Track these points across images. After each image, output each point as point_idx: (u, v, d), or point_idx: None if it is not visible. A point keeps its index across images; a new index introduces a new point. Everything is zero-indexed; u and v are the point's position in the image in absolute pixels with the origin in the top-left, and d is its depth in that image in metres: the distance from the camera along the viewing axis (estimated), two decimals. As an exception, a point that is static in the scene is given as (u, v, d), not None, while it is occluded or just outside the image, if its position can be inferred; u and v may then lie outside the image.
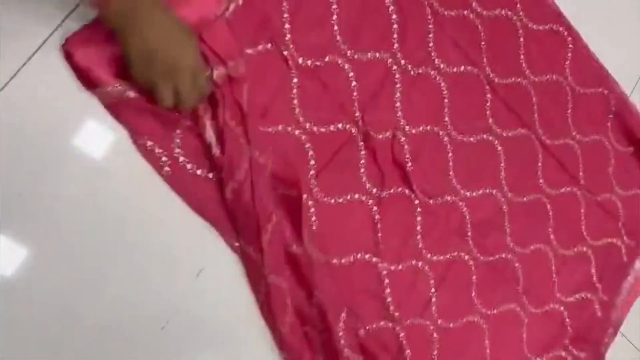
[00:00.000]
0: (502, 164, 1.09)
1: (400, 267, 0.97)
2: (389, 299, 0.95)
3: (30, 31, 0.73)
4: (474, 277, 1.05)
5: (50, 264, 0.75)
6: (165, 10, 0.71)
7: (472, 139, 1.06)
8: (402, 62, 0.98)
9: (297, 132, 0.89)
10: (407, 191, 0.98)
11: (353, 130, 0.93)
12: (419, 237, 0.99)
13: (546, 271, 1.15)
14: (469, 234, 1.05)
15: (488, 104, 1.07)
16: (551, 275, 1.16)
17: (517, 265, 1.10)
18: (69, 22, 0.75)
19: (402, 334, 0.96)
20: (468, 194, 1.05)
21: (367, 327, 0.93)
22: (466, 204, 1.04)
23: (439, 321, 1.00)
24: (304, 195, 0.87)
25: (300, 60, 0.89)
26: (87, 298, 0.76)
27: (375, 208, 0.95)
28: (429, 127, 1.01)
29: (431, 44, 1.01)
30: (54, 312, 0.75)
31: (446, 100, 1.03)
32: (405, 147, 0.98)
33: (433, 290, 1.00)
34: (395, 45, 0.98)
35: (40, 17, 0.74)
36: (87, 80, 0.74)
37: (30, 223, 0.74)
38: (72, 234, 0.76)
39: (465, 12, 1.06)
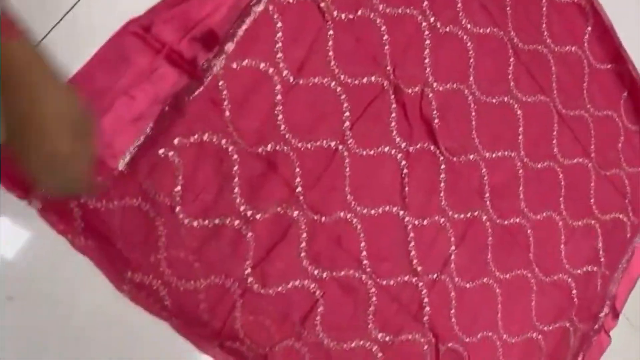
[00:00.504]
0: (520, 128, 1.10)
1: (424, 222, 0.98)
2: (412, 252, 0.96)
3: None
4: (490, 239, 1.06)
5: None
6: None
7: (494, 101, 1.07)
8: (432, 19, 0.99)
9: (332, 83, 0.89)
10: (432, 147, 0.99)
11: (385, 84, 0.94)
12: (442, 194, 1.00)
13: (556, 240, 1.18)
14: (487, 195, 1.06)
15: (511, 68, 1.09)
16: (560, 245, 1.18)
17: (529, 231, 1.12)
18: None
19: (424, 290, 0.97)
20: (488, 154, 1.06)
21: (392, 281, 0.94)
22: (486, 165, 1.05)
23: (457, 279, 1.01)
24: (340, 146, 0.89)
25: (335, 13, 0.89)
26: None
27: (403, 162, 0.95)
28: (455, 85, 1.02)
29: (459, 4, 1.02)
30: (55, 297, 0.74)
31: (472, 60, 1.04)
32: (433, 103, 0.98)
33: (453, 247, 1.01)
34: (425, 3, 0.99)
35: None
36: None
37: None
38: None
39: None
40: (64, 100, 0.53)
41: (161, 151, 0.76)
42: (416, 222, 0.97)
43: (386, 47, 0.93)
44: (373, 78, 0.93)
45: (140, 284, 0.76)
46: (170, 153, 0.77)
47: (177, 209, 0.77)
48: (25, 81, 0.50)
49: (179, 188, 0.77)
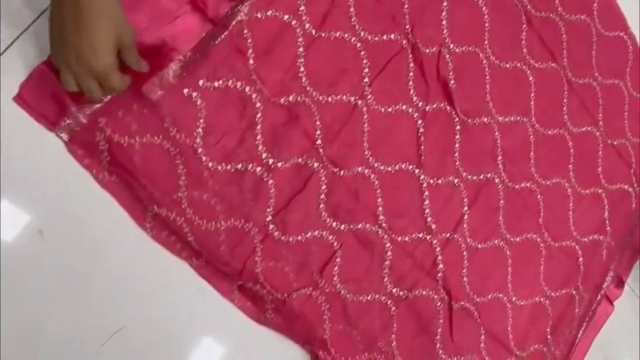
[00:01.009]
0: (532, 94, 1.12)
1: (439, 181, 0.99)
2: (427, 210, 0.97)
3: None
4: (502, 202, 1.08)
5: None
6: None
7: (507, 65, 1.08)
8: None
9: (353, 39, 0.91)
10: (448, 108, 1.00)
11: (404, 42, 0.95)
12: (456, 154, 1.01)
13: (564, 207, 1.19)
14: (500, 158, 1.07)
15: (524, 34, 1.10)
16: (568, 212, 1.19)
17: (539, 197, 1.13)
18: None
19: (437, 248, 0.98)
20: (501, 118, 1.07)
21: (407, 238, 0.95)
22: (498, 129, 1.07)
23: (469, 240, 1.03)
24: (359, 101, 0.90)
25: None
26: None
27: (420, 121, 0.97)
28: (470, 48, 1.03)
29: None
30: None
31: (487, 25, 1.05)
32: (449, 64, 1.00)
33: (466, 208, 1.02)
34: None
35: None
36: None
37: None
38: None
39: None
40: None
41: (185, 91, 0.77)
42: (431, 181, 0.98)
43: (405, 7, 0.95)
44: (392, 36, 0.94)
45: (164, 220, 0.79)
46: (194, 94, 0.78)
47: (199, 150, 0.79)
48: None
49: (200, 130, 0.78)
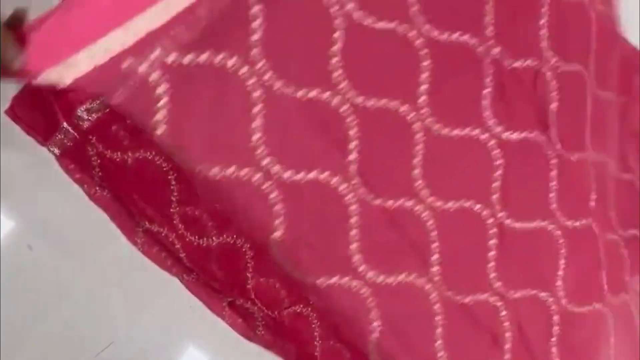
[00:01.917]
0: None
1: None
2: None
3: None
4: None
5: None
6: None
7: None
8: None
9: (411, 33, 0.71)
10: (541, 137, 0.79)
11: (479, 49, 0.75)
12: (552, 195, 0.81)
13: None
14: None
15: None
16: None
17: None
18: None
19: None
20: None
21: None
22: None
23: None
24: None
25: None
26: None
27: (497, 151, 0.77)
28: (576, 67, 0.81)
29: None
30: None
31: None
32: (551, 82, 0.78)
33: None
34: None
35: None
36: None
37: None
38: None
39: None
40: None
41: None
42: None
43: (489, 4, 0.74)
44: (467, 37, 0.74)
45: (155, 236, 0.75)
46: None
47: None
48: None
49: None
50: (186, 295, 0.81)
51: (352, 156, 0.70)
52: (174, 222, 0.73)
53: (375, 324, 0.72)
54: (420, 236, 0.75)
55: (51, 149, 0.73)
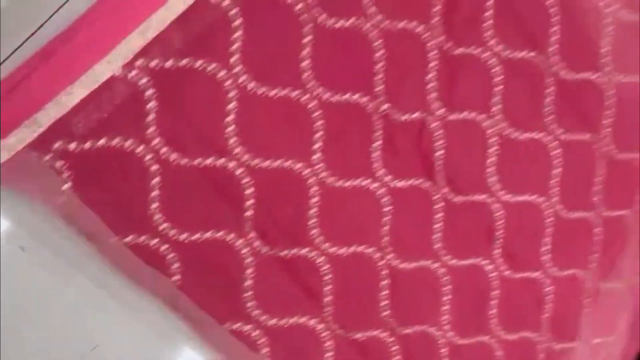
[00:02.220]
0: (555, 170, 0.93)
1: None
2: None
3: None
4: (496, 292, 0.92)
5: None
6: None
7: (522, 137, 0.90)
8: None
9: (304, 97, 0.76)
10: (427, 184, 0.85)
11: (369, 106, 0.80)
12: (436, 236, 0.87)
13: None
14: (499, 242, 0.91)
15: (550, 99, 0.91)
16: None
17: (547, 288, 0.96)
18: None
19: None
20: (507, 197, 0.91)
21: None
22: (502, 208, 0.90)
23: (450, 335, 0.90)
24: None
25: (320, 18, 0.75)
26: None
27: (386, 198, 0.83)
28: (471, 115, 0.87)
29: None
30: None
31: (499, 88, 0.87)
32: (437, 132, 0.84)
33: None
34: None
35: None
36: None
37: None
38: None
39: None
40: None
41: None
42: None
43: (379, 65, 0.79)
44: (357, 97, 0.79)
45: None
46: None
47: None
48: None
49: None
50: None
51: (248, 213, 0.75)
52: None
53: None
54: (314, 280, 0.81)
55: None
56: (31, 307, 0.72)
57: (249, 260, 0.76)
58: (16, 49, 0.64)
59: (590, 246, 0.98)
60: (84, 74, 0.64)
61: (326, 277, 0.81)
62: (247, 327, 0.78)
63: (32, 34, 0.64)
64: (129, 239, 0.70)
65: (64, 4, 0.65)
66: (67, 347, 0.74)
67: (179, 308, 0.74)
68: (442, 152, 0.85)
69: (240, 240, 0.75)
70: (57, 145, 0.65)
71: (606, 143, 0.95)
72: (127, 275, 0.72)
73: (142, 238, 0.71)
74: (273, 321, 0.79)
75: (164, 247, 0.72)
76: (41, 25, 0.65)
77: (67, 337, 0.74)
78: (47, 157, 0.65)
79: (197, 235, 0.73)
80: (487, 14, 0.84)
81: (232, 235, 0.75)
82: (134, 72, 0.66)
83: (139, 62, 0.66)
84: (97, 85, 0.64)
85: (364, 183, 0.81)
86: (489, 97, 0.87)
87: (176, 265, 0.73)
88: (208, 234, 0.74)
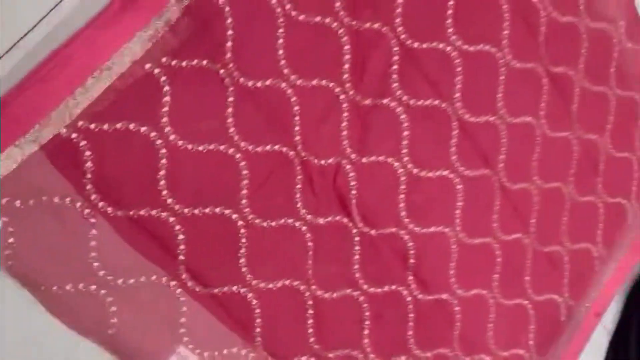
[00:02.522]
0: (459, 203, 1.05)
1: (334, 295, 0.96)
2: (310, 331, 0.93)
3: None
4: (411, 315, 1.02)
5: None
6: None
7: (430, 175, 1.01)
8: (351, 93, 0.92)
9: (230, 150, 0.84)
10: (345, 220, 0.95)
11: (290, 154, 0.89)
12: (356, 266, 0.97)
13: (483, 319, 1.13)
14: (410, 271, 1.01)
15: (454, 140, 1.02)
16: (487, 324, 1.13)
17: (456, 308, 1.07)
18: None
19: None
20: (417, 229, 1.01)
21: None
22: (412, 239, 1.01)
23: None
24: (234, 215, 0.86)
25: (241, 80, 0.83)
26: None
27: (309, 235, 0.92)
28: (381, 158, 0.96)
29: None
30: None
31: (406, 132, 0.97)
32: (350, 174, 0.94)
33: (367, 323, 0.98)
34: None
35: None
36: None
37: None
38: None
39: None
40: None
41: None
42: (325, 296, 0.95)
43: (296, 118, 0.87)
44: (277, 147, 0.87)
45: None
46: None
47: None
48: None
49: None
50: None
51: (181, 258, 0.83)
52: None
53: None
54: (245, 314, 0.89)
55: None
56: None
57: (183, 299, 0.84)
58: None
59: (493, 267, 1.10)
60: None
61: (257, 311, 0.89)
62: None
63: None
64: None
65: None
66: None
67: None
68: (355, 192, 0.94)
69: (174, 282, 0.83)
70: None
71: (502, 176, 1.08)
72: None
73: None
74: (207, 354, 0.87)
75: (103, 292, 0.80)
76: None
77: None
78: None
79: (132, 281, 0.81)
80: (393, 67, 0.94)
81: (165, 278, 0.82)
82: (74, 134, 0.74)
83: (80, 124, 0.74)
84: None
85: (288, 222, 0.90)
86: (399, 140, 0.98)
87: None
88: (142, 279, 0.81)
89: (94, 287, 0.78)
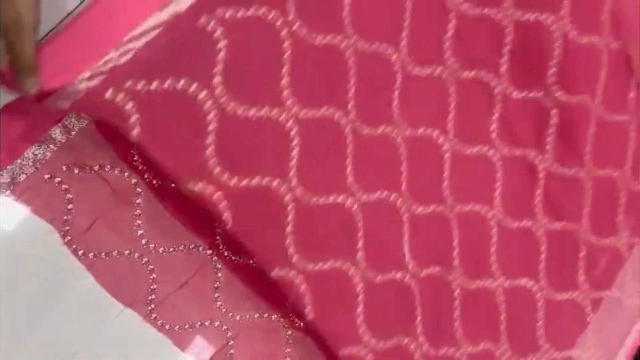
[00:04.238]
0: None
1: None
2: None
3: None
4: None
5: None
6: None
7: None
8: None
9: (282, 116, 0.77)
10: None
11: (342, 121, 0.83)
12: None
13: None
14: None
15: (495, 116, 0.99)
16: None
17: (499, 298, 1.02)
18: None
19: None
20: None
21: None
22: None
23: None
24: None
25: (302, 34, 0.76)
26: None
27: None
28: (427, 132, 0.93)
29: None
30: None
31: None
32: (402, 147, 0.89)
33: None
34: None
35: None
36: None
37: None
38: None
39: None
40: None
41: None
42: None
43: (351, 82, 0.82)
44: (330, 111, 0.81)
45: None
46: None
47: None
48: None
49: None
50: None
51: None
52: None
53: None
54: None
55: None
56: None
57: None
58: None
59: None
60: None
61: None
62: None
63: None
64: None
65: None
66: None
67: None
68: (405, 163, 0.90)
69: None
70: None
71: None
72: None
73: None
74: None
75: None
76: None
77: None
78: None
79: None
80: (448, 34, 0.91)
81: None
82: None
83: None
84: None
85: (339, 199, 0.83)
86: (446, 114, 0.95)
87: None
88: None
89: (137, 254, 0.79)
